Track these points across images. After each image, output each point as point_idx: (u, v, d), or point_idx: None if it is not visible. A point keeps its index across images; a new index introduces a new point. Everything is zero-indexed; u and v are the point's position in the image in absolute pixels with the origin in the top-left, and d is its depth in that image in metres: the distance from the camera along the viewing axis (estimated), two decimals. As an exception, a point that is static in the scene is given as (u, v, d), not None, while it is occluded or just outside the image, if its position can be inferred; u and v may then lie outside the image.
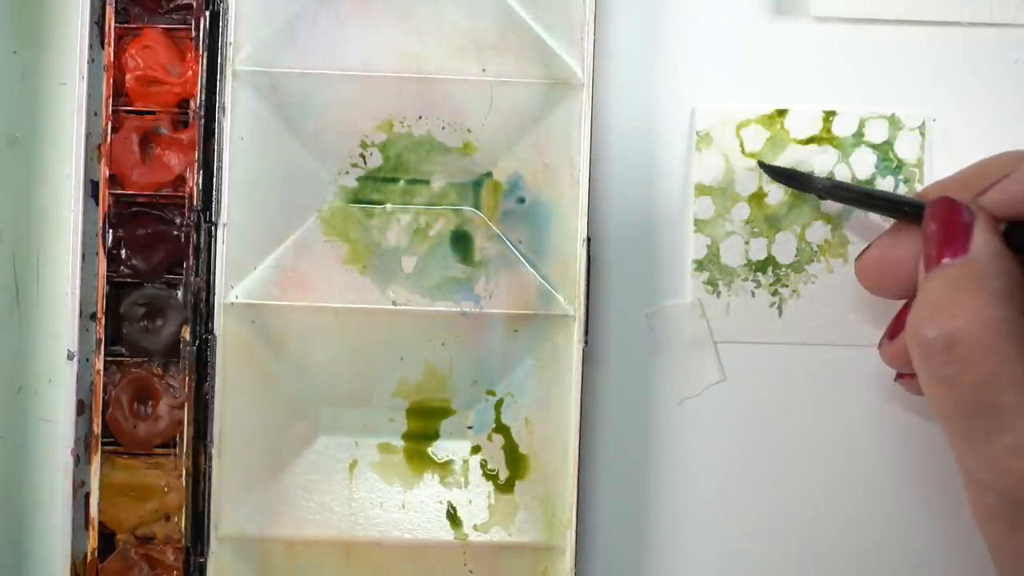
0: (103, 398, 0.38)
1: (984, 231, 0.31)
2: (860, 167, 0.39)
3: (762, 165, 0.39)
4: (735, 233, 0.39)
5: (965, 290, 0.30)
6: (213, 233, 0.38)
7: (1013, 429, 0.29)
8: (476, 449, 0.38)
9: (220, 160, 0.37)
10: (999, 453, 0.29)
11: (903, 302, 0.35)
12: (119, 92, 0.38)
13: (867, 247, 0.36)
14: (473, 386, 0.38)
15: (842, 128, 0.39)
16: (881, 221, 0.39)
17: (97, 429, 0.38)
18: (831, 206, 0.39)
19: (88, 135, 0.38)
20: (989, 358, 0.29)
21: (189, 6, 0.38)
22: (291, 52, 0.38)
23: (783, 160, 0.39)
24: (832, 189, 0.37)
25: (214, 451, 0.38)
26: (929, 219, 0.32)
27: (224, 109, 0.37)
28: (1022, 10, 0.39)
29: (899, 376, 0.37)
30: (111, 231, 0.38)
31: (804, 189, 0.38)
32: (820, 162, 0.39)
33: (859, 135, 0.39)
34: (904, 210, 0.35)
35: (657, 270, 0.40)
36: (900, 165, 0.39)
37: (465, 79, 0.38)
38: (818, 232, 0.39)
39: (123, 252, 0.38)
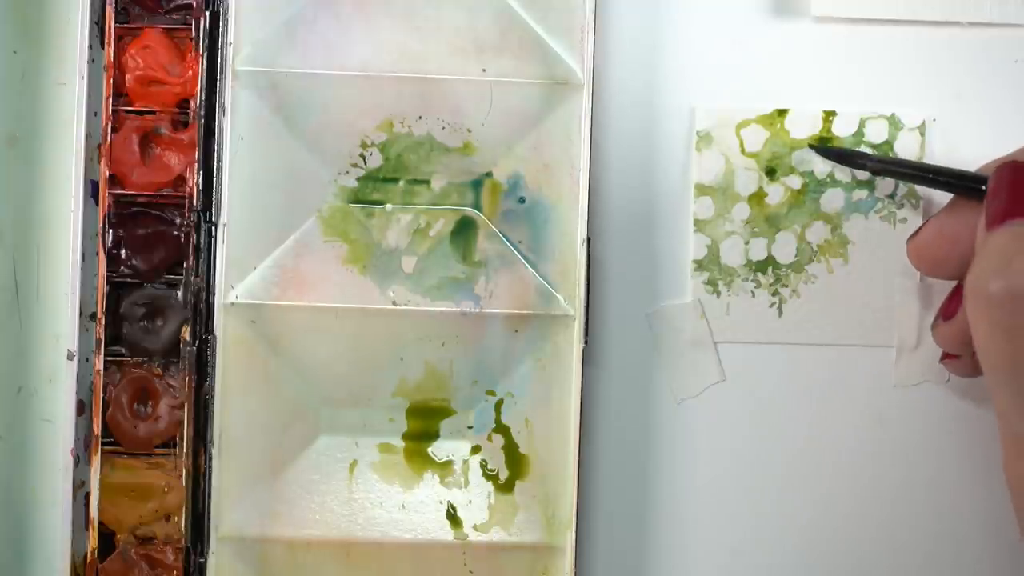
0: (103, 398, 0.38)
1: None
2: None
3: (812, 147, 0.39)
4: (735, 233, 0.39)
5: None
6: (213, 233, 0.38)
7: None
8: (476, 449, 0.38)
9: (220, 160, 0.37)
10: None
11: (952, 284, 0.36)
12: (119, 92, 0.38)
13: (920, 227, 0.36)
14: (473, 386, 0.38)
15: (842, 128, 0.39)
16: (884, 222, 0.39)
17: (97, 429, 0.38)
18: (830, 205, 0.39)
19: (88, 135, 0.38)
20: None
21: (189, 6, 0.38)
22: (291, 52, 0.38)
23: (788, 159, 0.39)
24: (885, 165, 0.38)
25: (214, 451, 0.38)
26: (994, 185, 0.32)
27: (224, 109, 0.37)
28: (1022, 10, 0.39)
29: (945, 356, 0.37)
30: (111, 231, 0.38)
31: (856, 167, 0.39)
32: (820, 162, 0.39)
33: (859, 135, 0.39)
34: (964, 184, 0.35)
35: (657, 270, 0.40)
36: (900, 165, 0.39)
37: (465, 79, 0.38)
38: (818, 232, 0.39)
39: (123, 252, 0.38)
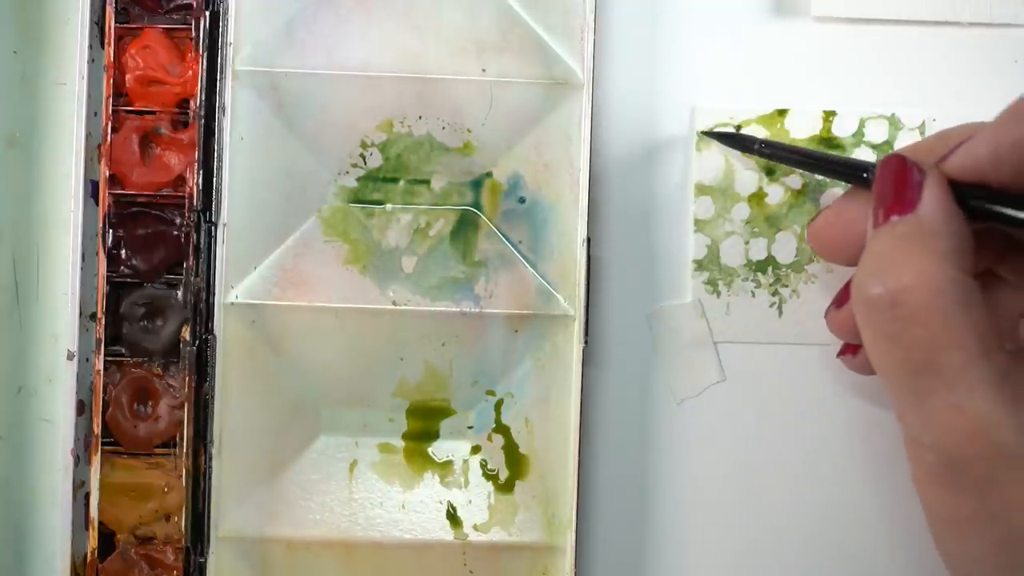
0: (103, 398, 0.38)
1: (934, 189, 0.30)
2: (860, 167, 0.39)
3: (703, 133, 0.39)
4: (735, 233, 0.39)
5: (912, 248, 0.30)
6: (213, 233, 0.38)
7: (954, 388, 0.29)
8: (476, 449, 0.38)
9: (220, 160, 0.38)
10: (940, 412, 0.29)
11: (853, 271, 0.35)
12: (119, 92, 0.38)
13: (819, 212, 0.35)
14: (473, 386, 0.38)
15: (842, 128, 0.39)
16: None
17: (97, 429, 0.38)
18: (826, 197, 0.39)
19: (88, 135, 0.38)
20: (933, 317, 0.29)
21: (189, 6, 0.38)
22: (291, 52, 0.38)
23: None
24: (774, 150, 0.37)
25: (214, 451, 0.38)
26: (879, 176, 0.31)
27: (224, 109, 0.37)
28: (1022, 10, 0.39)
29: (842, 352, 0.36)
30: (111, 231, 0.38)
31: (746, 151, 0.38)
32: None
33: (859, 135, 0.39)
34: (851, 172, 0.34)
35: (657, 270, 0.40)
36: (900, 165, 0.39)
37: (465, 79, 0.38)
38: (818, 232, 0.39)
39: (123, 252, 0.38)
